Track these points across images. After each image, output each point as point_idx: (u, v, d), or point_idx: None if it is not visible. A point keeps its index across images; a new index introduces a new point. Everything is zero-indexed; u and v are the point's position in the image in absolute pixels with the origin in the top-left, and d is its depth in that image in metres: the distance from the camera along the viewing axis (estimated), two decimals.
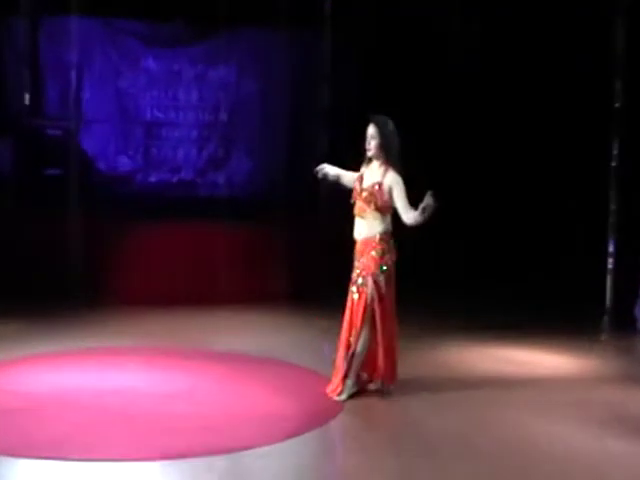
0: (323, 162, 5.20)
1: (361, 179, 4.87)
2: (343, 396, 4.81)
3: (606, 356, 6.46)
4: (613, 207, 7.85)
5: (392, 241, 4.84)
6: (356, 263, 4.85)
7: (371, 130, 4.82)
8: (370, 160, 4.88)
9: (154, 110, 9.36)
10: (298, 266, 7.57)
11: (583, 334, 7.00)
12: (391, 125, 4.84)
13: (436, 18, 9.20)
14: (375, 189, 4.76)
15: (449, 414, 4.72)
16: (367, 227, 4.80)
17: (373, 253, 4.76)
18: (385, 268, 4.76)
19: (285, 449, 4.07)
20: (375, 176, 4.82)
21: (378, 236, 4.78)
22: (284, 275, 7.62)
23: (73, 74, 8.85)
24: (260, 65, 9.45)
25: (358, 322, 4.75)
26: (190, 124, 9.46)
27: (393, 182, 4.74)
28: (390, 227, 4.84)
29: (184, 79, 9.44)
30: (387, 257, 4.77)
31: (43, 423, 4.31)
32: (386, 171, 4.79)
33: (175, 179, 9.33)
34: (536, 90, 9.15)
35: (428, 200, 4.51)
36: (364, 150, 4.87)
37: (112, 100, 9.18)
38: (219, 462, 3.85)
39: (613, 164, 7.78)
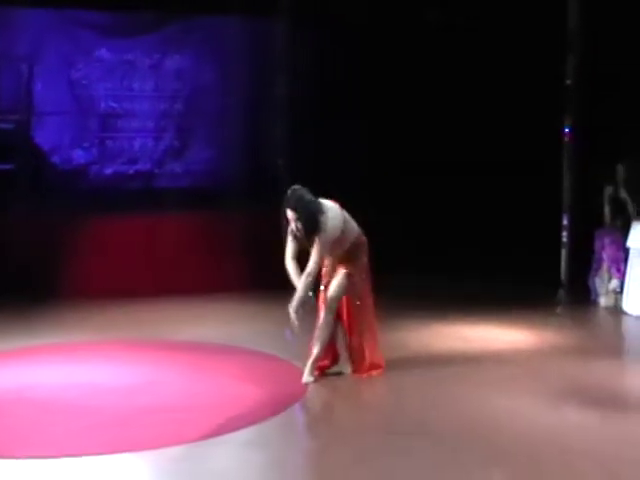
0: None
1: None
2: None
3: (562, 328, 6.60)
4: (566, 183, 8.03)
5: (362, 239, 4.98)
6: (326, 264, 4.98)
7: (290, 215, 4.79)
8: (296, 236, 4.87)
9: (109, 101, 9.23)
10: (259, 254, 7.56)
11: (539, 307, 7.13)
12: (303, 197, 4.77)
13: (393, 3, 9.24)
14: (334, 251, 4.88)
15: (409, 394, 4.80)
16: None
17: (349, 256, 4.94)
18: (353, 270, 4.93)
19: (249, 435, 4.09)
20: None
21: (354, 243, 4.97)
22: (245, 264, 7.61)
23: (24, 66, 8.69)
24: (216, 53, 9.36)
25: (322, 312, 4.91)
26: (146, 114, 9.34)
27: (324, 243, 4.79)
28: (356, 229, 4.95)
29: (139, 69, 9.31)
30: (360, 255, 4.95)
31: (1, 421, 4.26)
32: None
33: (132, 171, 9.23)
34: (489, 70, 9.26)
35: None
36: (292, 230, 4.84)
37: (65, 92, 9.01)
38: (182, 452, 3.86)
39: (565, 140, 7.94)
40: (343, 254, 4.95)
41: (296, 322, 4.74)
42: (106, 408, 4.46)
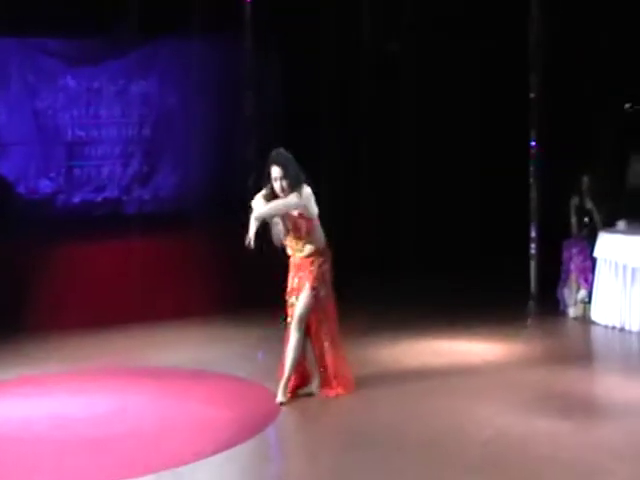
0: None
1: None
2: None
3: (532, 340, 6.65)
4: (533, 194, 8.13)
5: (327, 251, 4.96)
6: (292, 277, 4.95)
7: (277, 172, 4.77)
8: (274, 197, 4.83)
9: (75, 129, 9.21)
10: (228, 278, 7.55)
11: (509, 320, 7.17)
12: (290, 157, 4.80)
13: (354, 19, 9.37)
14: (297, 218, 4.82)
15: (381, 408, 4.80)
16: (303, 250, 4.90)
17: (312, 268, 4.88)
18: (318, 285, 4.88)
19: (222, 459, 4.06)
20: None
21: (319, 251, 4.91)
22: (216, 288, 7.57)
23: None
24: (182, 77, 9.40)
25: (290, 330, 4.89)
26: (113, 141, 9.35)
27: (304, 199, 4.77)
28: (323, 239, 4.94)
29: (105, 96, 9.32)
30: (325, 268, 4.91)
31: None
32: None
33: (100, 198, 9.20)
34: (457, 87, 9.40)
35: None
36: (272, 189, 4.78)
37: (30, 121, 8.99)
38: (155, 479, 3.81)
39: (532, 152, 8.06)
40: (309, 264, 4.87)
41: (252, 237, 4.68)
42: (77, 438, 4.40)
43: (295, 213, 4.83)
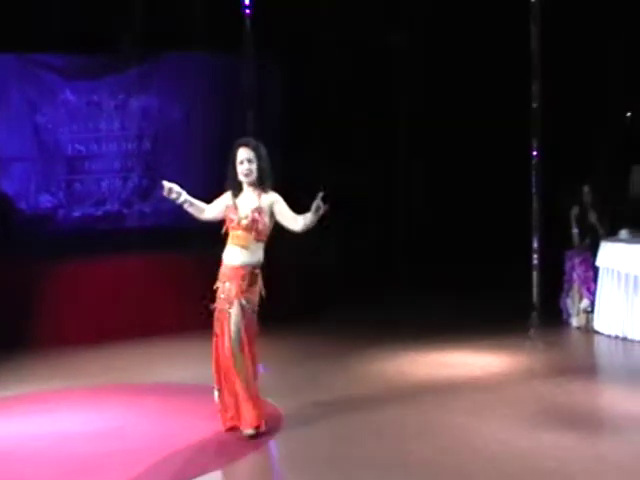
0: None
1: (235, 208, 4.60)
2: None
3: (535, 351, 6.64)
4: (535, 205, 8.12)
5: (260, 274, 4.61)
6: (222, 284, 4.62)
7: (247, 154, 4.56)
8: (240, 189, 4.62)
9: (75, 144, 9.22)
10: None
11: (513, 331, 7.15)
12: (264, 150, 4.61)
13: (358, 33, 9.40)
14: (255, 215, 4.55)
15: (385, 424, 4.76)
16: (245, 255, 4.57)
17: (243, 282, 4.54)
18: (247, 302, 4.53)
19: (224, 476, 4.03)
20: (252, 202, 4.59)
21: (255, 269, 4.59)
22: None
23: None
24: (182, 91, 9.41)
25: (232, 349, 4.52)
26: (113, 155, 9.35)
27: (273, 200, 4.59)
28: (262, 259, 4.63)
29: (105, 110, 9.32)
30: (257, 287, 4.58)
31: None
32: (260, 195, 4.60)
33: (100, 212, 9.19)
34: (458, 95, 9.41)
35: (318, 201, 4.41)
36: (233, 178, 4.58)
37: (30, 137, 9.00)
38: None
39: (533, 162, 8.06)
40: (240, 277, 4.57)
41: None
42: (76, 455, 4.37)
43: (255, 213, 4.52)
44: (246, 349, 4.55)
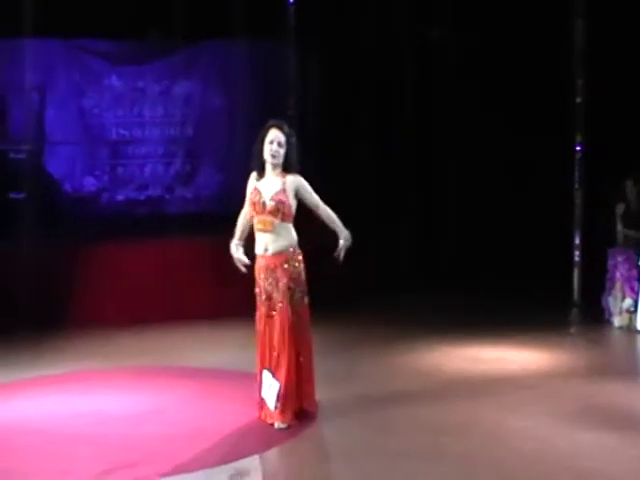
0: None
1: (258, 193, 4.53)
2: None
3: (575, 349, 6.53)
4: (577, 201, 7.99)
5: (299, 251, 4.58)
6: (263, 281, 4.58)
7: (279, 137, 4.50)
8: (263, 169, 4.57)
9: (119, 128, 9.34)
10: None
11: (552, 328, 7.05)
12: (295, 137, 4.57)
13: (397, 24, 9.32)
14: (280, 198, 4.47)
15: (421, 417, 4.75)
16: (275, 241, 4.50)
17: (286, 266, 4.49)
18: (295, 286, 4.50)
19: (258, 463, 4.05)
20: (275, 185, 4.51)
21: (291, 249, 4.53)
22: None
23: (35, 96, 8.81)
24: (225, 78, 9.46)
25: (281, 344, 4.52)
26: (156, 140, 9.44)
27: (297, 183, 4.52)
28: (296, 238, 4.58)
29: (149, 96, 9.43)
30: (301, 268, 4.53)
31: (10, 452, 4.25)
32: (284, 177, 4.52)
33: (143, 197, 9.31)
34: (500, 89, 9.28)
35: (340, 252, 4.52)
36: (258, 156, 4.53)
37: (76, 120, 9.14)
38: None
39: (576, 157, 7.93)
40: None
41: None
42: (113, 437, 4.43)
43: (281, 195, 4.47)
44: (298, 339, 4.54)
